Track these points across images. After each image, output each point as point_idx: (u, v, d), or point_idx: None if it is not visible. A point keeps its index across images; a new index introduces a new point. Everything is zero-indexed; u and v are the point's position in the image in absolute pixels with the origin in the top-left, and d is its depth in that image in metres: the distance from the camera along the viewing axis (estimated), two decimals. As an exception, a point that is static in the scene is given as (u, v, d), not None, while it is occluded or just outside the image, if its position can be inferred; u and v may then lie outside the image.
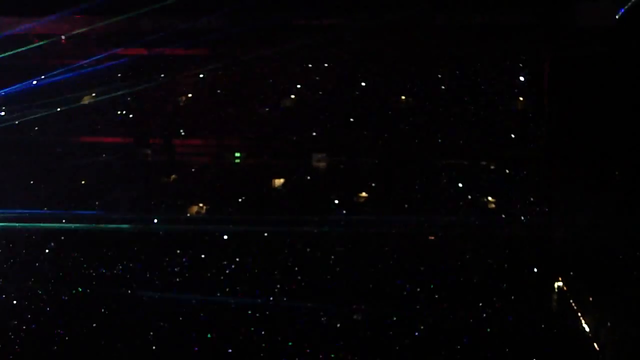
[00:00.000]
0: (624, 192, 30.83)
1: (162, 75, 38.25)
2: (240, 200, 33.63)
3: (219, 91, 37.90)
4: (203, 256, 29.45)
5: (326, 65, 37.67)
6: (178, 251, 29.60)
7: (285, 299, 25.19)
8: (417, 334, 22.26)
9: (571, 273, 26.41)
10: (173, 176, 35.92)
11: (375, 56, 36.93)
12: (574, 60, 32.64)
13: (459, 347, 21.23)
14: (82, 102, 37.90)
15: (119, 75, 38.39)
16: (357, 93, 36.39)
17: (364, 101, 36.03)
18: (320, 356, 21.22)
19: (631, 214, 29.23)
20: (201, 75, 38.44)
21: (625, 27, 31.37)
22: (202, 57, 39.32)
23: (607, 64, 31.83)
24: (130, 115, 37.12)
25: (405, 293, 25.51)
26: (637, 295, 24.39)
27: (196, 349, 21.86)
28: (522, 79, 35.16)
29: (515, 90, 35.08)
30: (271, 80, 37.89)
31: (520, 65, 35.31)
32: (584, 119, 31.73)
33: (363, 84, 36.56)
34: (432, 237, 30.08)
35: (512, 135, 33.50)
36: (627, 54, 31.48)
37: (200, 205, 33.90)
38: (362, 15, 35.19)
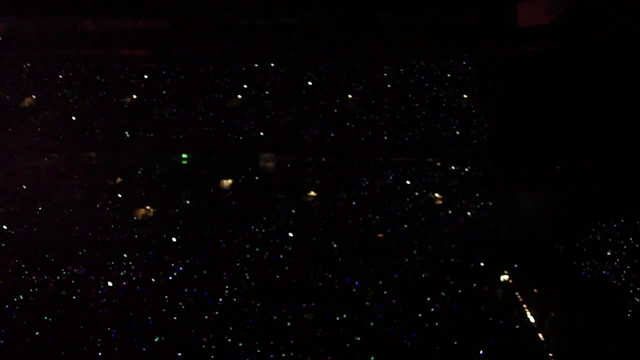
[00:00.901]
0: (565, 186, 31.65)
1: (106, 77, 37.90)
2: (188, 202, 33.38)
3: (164, 92, 37.61)
4: (151, 259, 29.09)
5: (272, 65, 37.74)
6: (125, 255, 29.18)
7: (235, 300, 25.00)
8: (367, 329, 22.33)
9: (516, 266, 26.88)
10: (119, 179, 35.41)
11: (322, 55, 37.18)
12: (517, 58, 33.42)
13: (407, 341, 21.37)
14: (23, 104, 37.20)
15: (61, 77, 37.78)
16: (304, 93, 36.54)
17: (311, 101, 36.24)
18: (272, 355, 21.12)
19: (572, 208, 30.02)
20: (145, 77, 38.11)
21: (565, 25, 32.23)
22: (146, 58, 38.97)
23: (549, 62, 32.68)
24: (73, 118, 36.46)
25: (354, 290, 25.59)
26: (578, 286, 25.03)
27: (143, 349, 21.51)
28: (465, 77, 35.83)
29: (459, 88, 35.73)
30: (217, 81, 37.88)
31: (464, 63, 35.94)
32: (526, 116, 32.45)
33: (310, 83, 36.74)
34: (381, 235, 30.36)
35: (457, 132, 34.08)
36: (567, 51, 32.35)
37: (147, 208, 33.45)
38: (307, 15, 35.39)
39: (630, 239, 26.96)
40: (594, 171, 30.91)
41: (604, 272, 25.58)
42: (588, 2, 31.35)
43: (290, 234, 30.82)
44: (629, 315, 21.79)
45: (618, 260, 25.74)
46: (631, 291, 23.05)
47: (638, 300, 22.26)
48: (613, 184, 30.16)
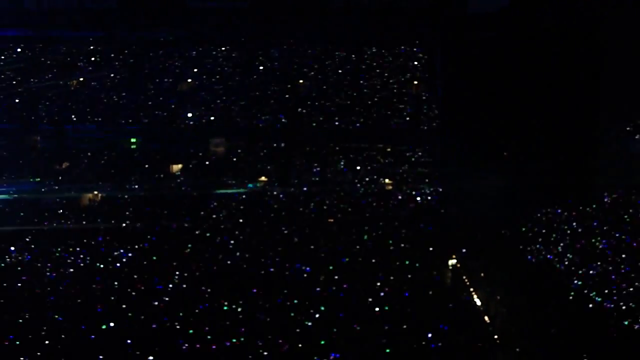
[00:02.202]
0: (512, 171, 32.28)
1: (52, 59, 36.92)
2: (136, 187, 32.86)
3: (112, 75, 36.91)
4: (99, 245, 28.58)
5: (223, 48, 37.37)
6: (72, 241, 28.58)
7: (184, 286, 24.79)
8: (317, 315, 22.42)
9: (464, 251, 27.31)
10: (65, 163, 34.61)
11: (273, 40, 36.97)
12: (466, 45, 33.79)
13: (358, 325, 21.54)
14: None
15: (3, 57, 36.63)
16: (255, 77, 36.31)
17: (262, 85, 36.03)
18: (224, 341, 21.03)
19: (518, 193, 30.67)
20: (93, 59, 37.28)
21: (514, 12, 32.72)
22: (95, 39, 38.06)
23: (498, 48, 33.14)
24: (17, 100, 35.47)
25: (305, 275, 25.64)
26: (523, 270, 25.62)
27: (92, 337, 21.17)
28: (416, 62, 36.14)
29: (410, 74, 36.03)
30: (167, 64, 37.31)
31: (414, 49, 36.26)
32: (475, 102, 32.92)
33: (261, 68, 36.53)
34: (331, 220, 30.47)
35: (407, 118, 34.39)
36: (516, 38, 32.85)
37: (95, 193, 32.81)
38: (259, -1, 35.15)
39: (574, 223, 27.75)
40: (540, 157, 31.60)
41: (549, 256, 26.22)
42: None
43: (241, 220, 30.64)
44: (570, 298, 22.40)
45: (562, 244, 26.44)
46: (573, 275, 23.69)
47: (579, 283, 22.90)
48: (558, 170, 30.93)
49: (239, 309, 22.88)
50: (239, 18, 35.05)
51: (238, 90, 35.17)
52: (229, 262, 26.99)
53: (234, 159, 33.95)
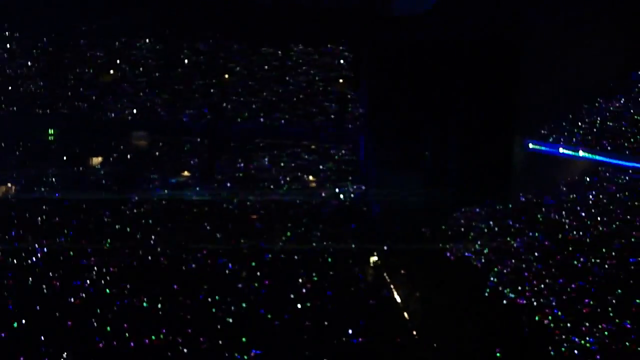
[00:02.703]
0: (433, 171, 33.01)
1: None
2: (54, 180, 31.82)
3: (29, 64, 35.54)
4: (13, 240, 27.56)
5: (148, 40, 36.60)
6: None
7: (103, 282, 24.21)
8: (239, 311, 22.28)
9: (385, 248, 27.72)
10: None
11: (200, 33, 36.46)
12: (392, 46, 34.28)
13: (279, 322, 21.52)
14: None
15: None
16: (179, 71, 35.75)
17: (187, 79, 35.51)
18: (144, 339, 20.62)
19: (438, 192, 31.37)
20: (9, 47, 35.79)
21: (438, 15, 33.41)
22: (10, 27, 36.57)
23: (423, 51, 33.76)
24: None
25: (227, 272, 25.47)
26: (443, 268, 26.23)
27: (2, 335, 20.34)
28: (342, 62, 36.40)
29: (336, 73, 36.25)
30: (88, 54, 36.21)
31: (341, 48, 36.52)
32: (399, 102, 33.48)
33: (186, 61, 36.00)
34: (255, 216, 30.32)
35: (332, 116, 34.62)
36: (440, 40, 33.53)
37: (9, 185, 31.59)
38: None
39: (490, 222, 28.60)
40: (460, 158, 32.42)
41: (466, 253, 26.92)
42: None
43: (163, 215, 30.11)
44: (486, 294, 23.07)
45: (479, 242, 27.19)
46: (490, 272, 24.39)
47: (495, 279, 23.59)
48: (477, 170, 31.80)
49: (159, 306, 22.49)
50: (164, 10, 34.42)
51: (162, 84, 34.55)
52: (150, 257, 26.52)
53: (157, 154, 33.34)
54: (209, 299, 23.05)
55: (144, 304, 22.55)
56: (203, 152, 33.47)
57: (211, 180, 32.21)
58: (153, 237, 27.99)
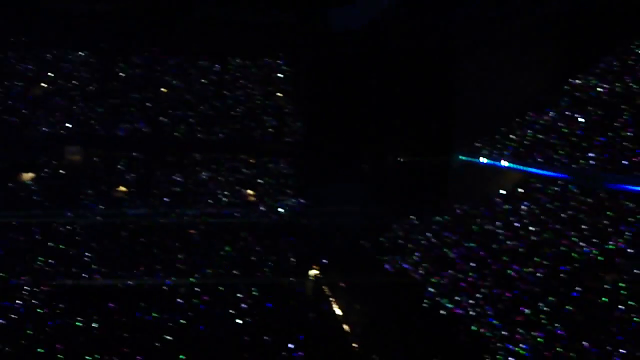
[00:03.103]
0: (371, 184, 33.37)
1: None
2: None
3: (-45, 76, 34.30)
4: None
5: (81, 53, 35.85)
6: None
7: (34, 301, 23.48)
8: (177, 328, 21.95)
9: (325, 261, 27.82)
10: None
11: (136, 46, 35.89)
12: (330, 60, 34.60)
13: (218, 338, 21.28)
14: None
15: None
16: (115, 84, 35.11)
17: (122, 93, 34.88)
18: (74, 357, 20.09)
19: (377, 205, 31.71)
20: None
21: (375, 30, 33.90)
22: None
23: (360, 65, 34.17)
24: None
25: (164, 288, 25.07)
26: (382, 279, 26.49)
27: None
28: (280, 76, 36.48)
29: (274, 87, 36.27)
30: (18, 67, 35.12)
31: (279, 62, 36.62)
32: (338, 116, 33.78)
33: (122, 75, 35.38)
34: (193, 231, 29.93)
35: (270, 130, 34.58)
36: (377, 55, 34.00)
37: None
38: (120, 3, 34.04)
39: (428, 234, 29.05)
40: (398, 170, 32.89)
41: (405, 265, 27.25)
42: (396, 10, 33.25)
43: (99, 231, 29.41)
44: (424, 304, 23.39)
45: (417, 254, 27.58)
46: (428, 283, 24.74)
47: (433, 290, 23.95)
48: (414, 183, 32.31)
49: (94, 325, 21.94)
50: (99, 22, 33.78)
51: (97, 97, 33.88)
52: (84, 274, 25.91)
53: (91, 169, 32.56)
54: (146, 316, 22.64)
55: (77, 323, 22.01)
56: (139, 167, 32.89)
57: (148, 195, 31.64)
58: (87, 254, 27.35)
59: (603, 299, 18.88)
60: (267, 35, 34.94)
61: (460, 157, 31.55)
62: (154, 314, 22.68)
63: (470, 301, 22.10)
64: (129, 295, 24.18)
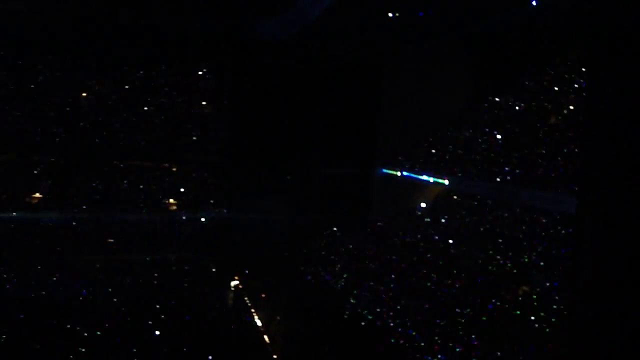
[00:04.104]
0: (295, 195, 33.44)
1: None
2: None
3: None
4: None
5: (1, 53, 34.49)
6: None
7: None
8: (94, 338, 21.33)
9: (246, 271, 27.67)
10: None
11: (58, 49, 34.74)
12: (256, 70, 34.50)
13: (135, 349, 20.78)
14: None
15: None
16: (32, 87, 33.93)
17: (40, 96, 33.74)
18: None
19: (299, 216, 31.84)
20: None
21: (302, 42, 34.04)
22: None
23: (286, 75, 34.21)
24: None
25: (81, 299, 24.32)
26: (303, 290, 26.54)
27: None
28: (205, 84, 36.13)
29: (198, 95, 35.91)
30: None
31: (204, 70, 36.28)
32: (262, 125, 33.69)
33: (40, 78, 34.23)
34: (112, 240, 29.23)
35: (194, 138, 34.19)
36: (304, 66, 34.14)
37: None
38: (44, 4, 32.93)
39: (350, 246, 29.32)
40: (321, 183, 33.09)
41: (326, 277, 27.37)
42: (323, 21, 33.54)
43: (15, 240, 28.28)
44: (345, 316, 23.54)
45: (338, 266, 27.75)
46: (349, 294, 24.91)
47: (353, 301, 24.14)
48: (337, 196, 32.58)
49: (4, 337, 21.05)
50: (16, 21, 32.56)
51: (13, 100, 32.67)
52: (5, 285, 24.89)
53: (4, 175, 31.34)
54: (61, 328, 21.88)
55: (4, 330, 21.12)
56: (57, 173, 31.88)
57: (65, 202, 30.69)
58: (4, 263, 26.29)
59: (517, 311, 19.49)
60: (192, 44, 34.54)
61: (383, 170, 32.08)
62: (68, 326, 21.96)
63: (390, 312, 22.37)
64: (43, 306, 23.34)
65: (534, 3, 24.06)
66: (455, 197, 28.60)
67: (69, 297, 24.35)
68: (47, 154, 32.38)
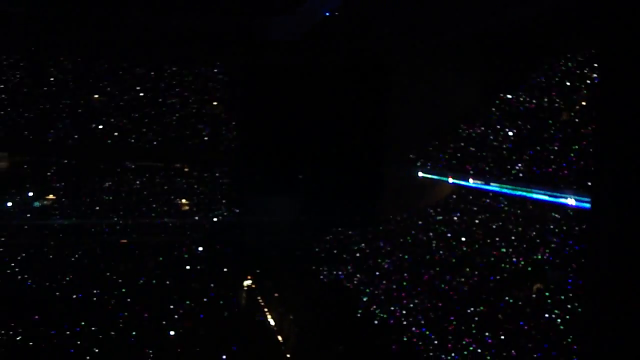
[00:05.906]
0: (307, 194, 33.40)
1: None
2: None
3: None
4: None
5: (12, 56, 34.64)
6: None
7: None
8: (107, 338, 21.40)
9: (259, 271, 27.70)
10: None
11: (68, 51, 34.91)
12: (267, 70, 34.49)
13: (150, 349, 20.87)
14: None
15: None
16: (46, 89, 34.11)
17: (53, 98, 33.91)
18: None
19: (311, 215, 31.78)
20: None
21: (313, 41, 34.00)
22: None
23: (297, 75, 34.19)
24: None
25: (95, 299, 24.43)
26: (315, 289, 26.53)
27: None
28: (216, 84, 36.16)
29: (209, 95, 35.96)
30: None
31: (215, 70, 36.31)
32: (273, 125, 33.69)
33: (52, 79, 34.38)
34: (124, 241, 29.33)
35: (206, 139, 34.25)
36: (315, 66, 34.10)
37: None
38: (52, 7, 33.08)
39: (362, 245, 29.27)
40: (333, 181, 33.03)
41: (339, 275, 27.35)
42: (331, 22, 33.49)
43: (25, 241, 28.47)
44: (359, 315, 23.51)
45: (351, 264, 27.72)
46: (361, 293, 24.89)
47: (365, 299, 24.11)
48: (348, 194, 32.51)
49: (18, 338, 21.19)
50: (31, 25, 32.74)
51: (27, 102, 32.87)
52: (10, 285, 25.03)
53: (19, 175, 31.54)
54: (75, 328, 22.01)
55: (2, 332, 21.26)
56: (70, 175, 32.03)
57: (78, 204, 30.84)
58: (13, 265, 26.44)
59: (529, 308, 19.41)
60: (203, 43, 34.57)
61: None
62: (82, 323, 22.08)
63: (403, 311, 22.33)
64: (56, 307, 23.46)
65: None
66: (467, 194, 28.52)
67: (82, 298, 24.48)
68: (59, 155, 32.52)
